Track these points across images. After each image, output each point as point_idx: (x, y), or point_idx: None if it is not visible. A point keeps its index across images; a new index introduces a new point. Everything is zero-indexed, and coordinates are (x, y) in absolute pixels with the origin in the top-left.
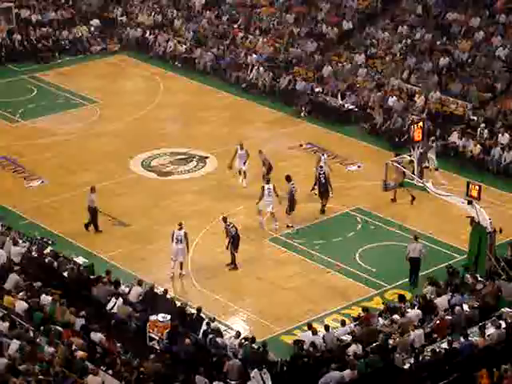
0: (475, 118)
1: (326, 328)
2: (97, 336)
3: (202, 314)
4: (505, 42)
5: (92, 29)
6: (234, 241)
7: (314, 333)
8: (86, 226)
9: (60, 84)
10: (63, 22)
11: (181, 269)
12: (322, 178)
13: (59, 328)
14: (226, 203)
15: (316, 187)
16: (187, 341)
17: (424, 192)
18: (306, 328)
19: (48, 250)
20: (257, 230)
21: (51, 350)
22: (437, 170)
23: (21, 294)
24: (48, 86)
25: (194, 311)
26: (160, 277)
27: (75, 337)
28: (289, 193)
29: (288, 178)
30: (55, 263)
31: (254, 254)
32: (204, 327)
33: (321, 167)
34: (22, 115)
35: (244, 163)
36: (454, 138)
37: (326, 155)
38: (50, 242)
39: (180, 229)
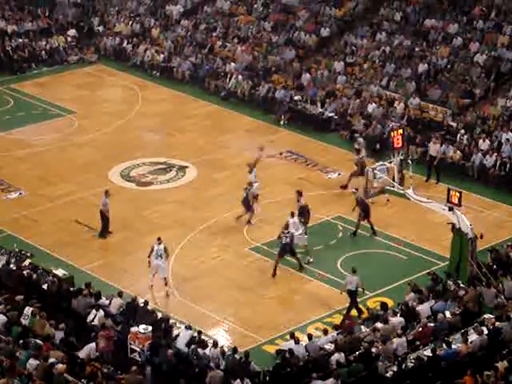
0: (454, 124)
1: (309, 337)
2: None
3: (171, 323)
4: (483, 47)
5: (69, 39)
6: (282, 248)
7: (297, 342)
8: (102, 233)
9: (37, 95)
10: (40, 33)
11: (165, 285)
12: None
13: (39, 341)
14: (206, 213)
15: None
16: (170, 352)
17: (405, 199)
18: (288, 337)
19: (27, 263)
20: (238, 240)
21: (34, 363)
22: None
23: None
24: (25, 97)
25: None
26: (140, 288)
27: (55, 350)
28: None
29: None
30: (34, 276)
31: (234, 263)
32: (186, 337)
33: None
34: None
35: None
36: (433, 149)
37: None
38: (28, 255)
39: (159, 243)
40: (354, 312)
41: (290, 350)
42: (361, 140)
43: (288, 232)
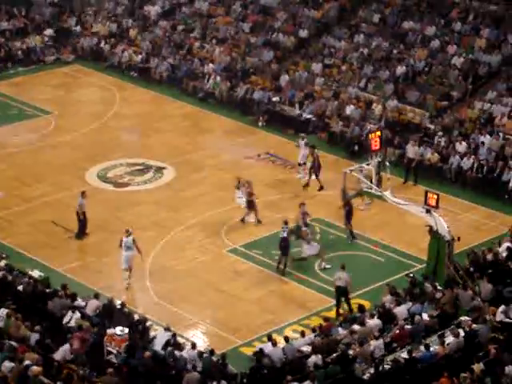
0: (432, 126)
1: (286, 339)
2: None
3: (148, 324)
4: (460, 50)
5: (46, 38)
6: (280, 243)
7: (274, 344)
8: (79, 235)
9: (13, 95)
10: (16, 32)
11: (130, 272)
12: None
13: (14, 343)
14: (184, 214)
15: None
16: (147, 353)
17: (382, 201)
18: (265, 339)
19: (2, 264)
20: (215, 241)
21: (9, 365)
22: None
23: None
24: (1, 97)
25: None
26: (117, 289)
27: (30, 352)
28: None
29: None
30: (10, 277)
31: (212, 265)
32: (164, 339)
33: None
34: None
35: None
36: (410, 151)
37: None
38: (4, 256)
39: (128, 235)
40: (332, 313)
41: (261, 350)
42: (302, 142)
43: (286, 227)
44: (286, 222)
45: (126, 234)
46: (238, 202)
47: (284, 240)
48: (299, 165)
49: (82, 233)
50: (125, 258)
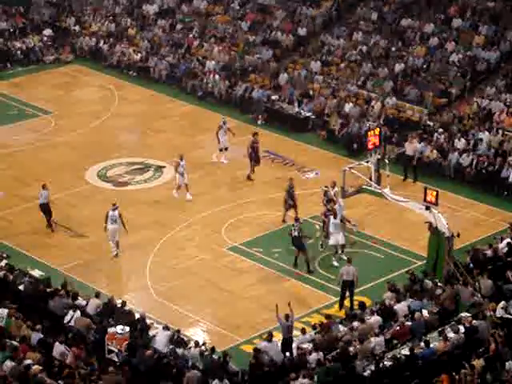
0: (431, 123)
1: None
2: (60, 348)
3: (148, 323)
4: (459, 47)
5: (45, 38)
6: (292, 241)
7: (270, 340)
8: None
9: (13, 95)
10: (15, 32)
11: (117, 248)
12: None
13: (15, 343)
14: (183, 212)
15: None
16: (149, 352)
17: (382, 198)
18: (266, 337)
19: (3, 264)
20: (215, 240)
21: (10, 364)
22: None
23: None
24: (0, 97)
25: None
26: (117, 288)
27: (31, 351)
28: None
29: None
30: (10, 277)
31: (212, 263)
32: (164, 338)
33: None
34: None
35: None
36: (409, 148)
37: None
38: (4, 256)
39: (114, 209)
40: (333, 310)
41: (256, 349)
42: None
43: (297, 225)
44: (296, 219)
45: (112, 207)
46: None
47: (296, 238)
48: (221, 150)
49: (50, 223)
50: (111, 231)
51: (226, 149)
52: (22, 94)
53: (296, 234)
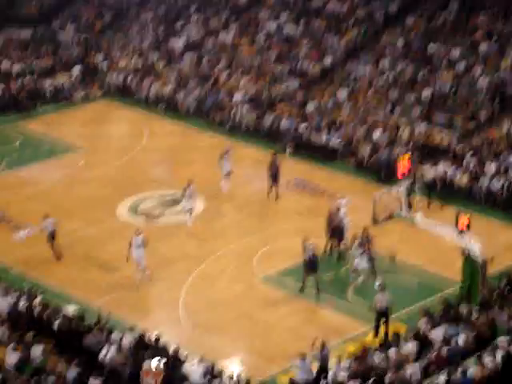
0: (461, 147)
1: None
2: (95, 382)
3: (183, 356)
4: (486, 71)
5: (73, 76)
6: (306, 264)
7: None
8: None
9: (44, 132)
10: (44, 71)
11: (146, 270)
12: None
13: (52, 379)
14: (215, 244)
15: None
16: None
17: (414, 224)
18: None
19: (38, 300)
20: (249, 270)
21: None
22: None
23: (11, 345)
24: (32, 135)
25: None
26: (152, 322)
27: None
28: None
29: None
30: (45, 313)
31: (245, 294)
32: (200, 370)
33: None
34: (7, 165)
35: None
36: (441, 168)
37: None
38: (39, 293)
39: (139, 234)
40: (368, 338)
41: (291, 380)
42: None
43: (311, 247)
44: (306, 240)
45: (136, 233)
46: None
47: (312, 259)
48: (227, 175)
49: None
50: (136, 256)
51: (229, 174)
52: (53, 132)
53: (311, 253)
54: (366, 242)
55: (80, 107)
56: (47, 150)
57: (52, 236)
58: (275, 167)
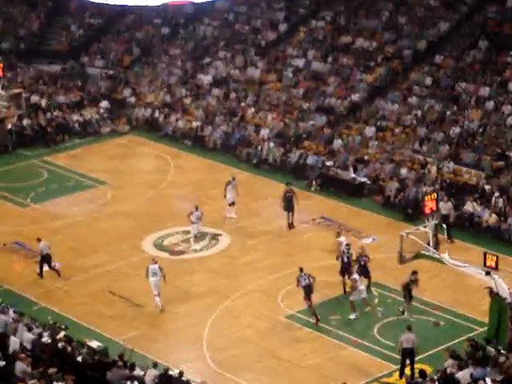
0: (489, 186)
1: None
2: None
3: None
4: None
5: (101, 110)
6: (305, 291)
7: None
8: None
9: (70, 166)
10: (72, 105)
11: (158, 299)
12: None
13: None
14: (240, 280)
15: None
16: None
17: (441, 264)
18: None
19: (61, 335)
20: (272, 307)
21: None
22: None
23: (32, 381)
24: (58, 169)
25: None
26: (175, 358)
27: None
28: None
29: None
30: (69, 348)
31: (269, 332)
32: None
33: (347, 245)
34: (33, 199)
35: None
36: (469, 207)
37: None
38: (62, 327)
39: (155, 263)
40: (393, 379)
41: None
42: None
43: (305, 274)
44: (301, 270)
45: (152, 261)
46: None
47: (306, 287)
48: (230, 205)
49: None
50: (152, 283)
51: (233, 204)
52: (79, 166)
53: (307, 282)
54: (362, 260)
55: (107, 141)
56: (74, 184)
57: (45, 259)
58: (288, 198)
